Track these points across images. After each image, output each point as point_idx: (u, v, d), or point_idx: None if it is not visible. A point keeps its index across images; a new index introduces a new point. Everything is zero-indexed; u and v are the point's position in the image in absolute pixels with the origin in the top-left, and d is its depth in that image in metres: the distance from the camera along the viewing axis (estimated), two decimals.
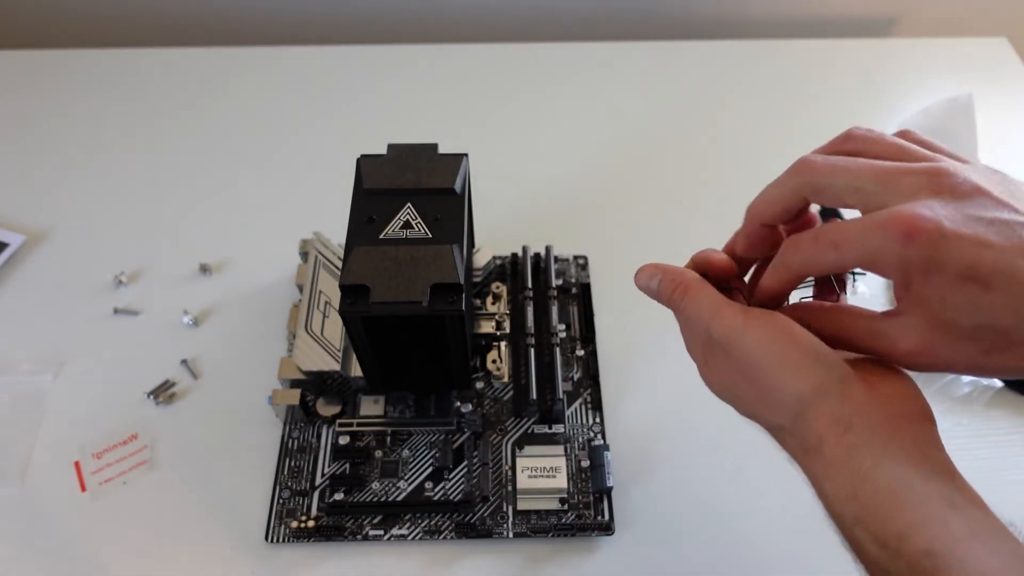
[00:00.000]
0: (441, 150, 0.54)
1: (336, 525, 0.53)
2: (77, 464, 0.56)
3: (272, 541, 0.53)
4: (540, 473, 0.55)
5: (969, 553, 0.27)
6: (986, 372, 0.31)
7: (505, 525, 0.53)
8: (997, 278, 0.28)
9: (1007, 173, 0.32)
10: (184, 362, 0.61)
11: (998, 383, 0.59)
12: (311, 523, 0.53)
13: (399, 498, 0.54)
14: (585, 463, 0.56)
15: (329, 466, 0.56)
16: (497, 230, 0.67)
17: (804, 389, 0.32)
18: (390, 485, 0.55)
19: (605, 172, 0.75)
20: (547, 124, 0.81)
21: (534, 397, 0.57)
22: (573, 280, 0.66)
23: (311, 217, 0.66)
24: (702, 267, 0.39)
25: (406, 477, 0.55)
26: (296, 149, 0.77)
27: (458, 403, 0.58)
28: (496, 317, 0.61)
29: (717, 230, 0.71)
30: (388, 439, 0.57)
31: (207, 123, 0.79)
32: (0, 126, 0.79)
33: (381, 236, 0.50)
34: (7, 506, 0.55)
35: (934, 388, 0.59)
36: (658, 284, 0.39)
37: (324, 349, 0.56)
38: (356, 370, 0.55)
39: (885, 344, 0.32)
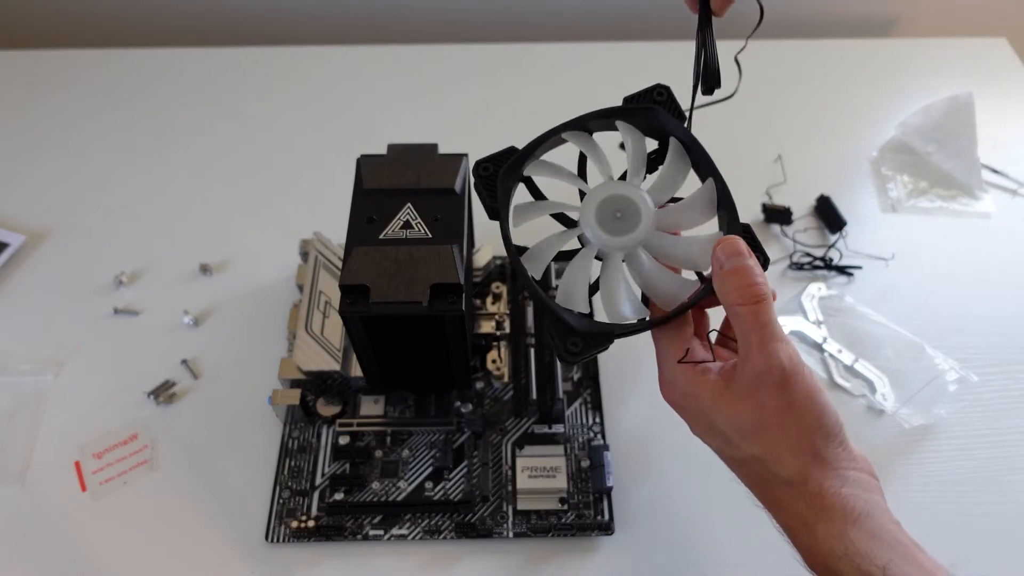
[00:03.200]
0: (441, 150, 0.54)
1: (336, 525, 0.53)
2: (77, 464, 0.56)
3: (272, 541, 0.53)
4: (540, 473, 0.55)
5: None
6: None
7: (505, 525, 0.53)
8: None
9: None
10: (184, 362, 0.62)
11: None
12: (311, 523, 0.53)
13: (399, 498, 0.54)
14: (585, 463, 0.56)
15: (329, 466, 0.56)
16: (497, 230, 0.67)
17: (817, 442, 0.36)
18: (390, 485, 0.55)
19: None
20: (547, 124, 0.80)
21: (534, 397, 0.57)
22: None
23: (311, 217, 0.66)
24: None
25: (406, 477, 0.55)
26: (296, 149, 0.77)
27: (458, 403, 0.58)
28: (496, 317, 0.61)
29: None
30: (388, 439, 0.57)
31: (207, 123, 0.79)
32: (1, 126, 0.79)
33: (381, 236, 0.50)
34: (7, 506, 0.55)
35: None
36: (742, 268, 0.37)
37: (324, 349, 0.56)
38: (356, 370, 0.55)
39: None
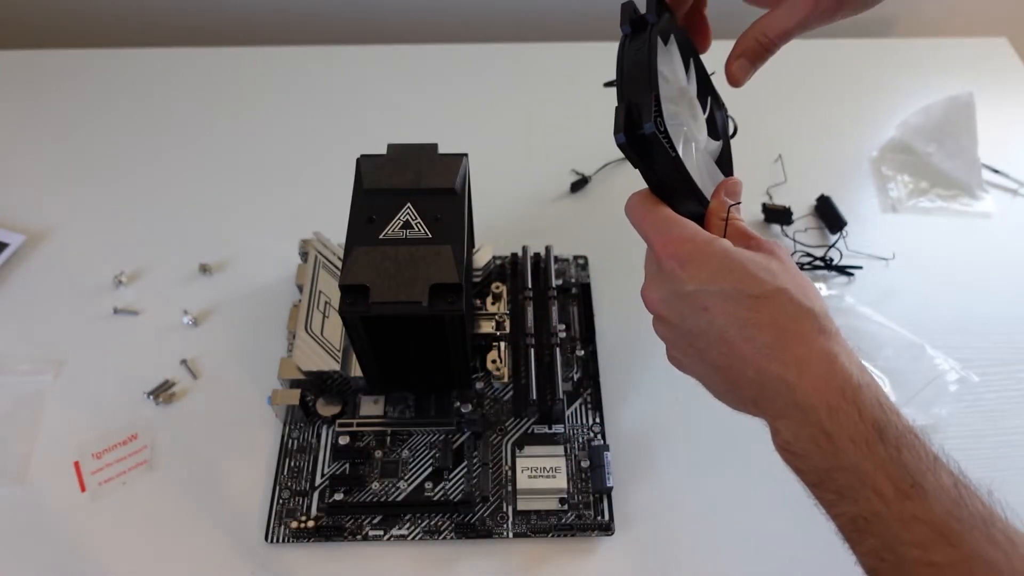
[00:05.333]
0: (441, 150, 0.54)
1: (336, 525, 0.53)
2: (77, 464, 0.56)
3: (272, 541, 0.53)
4: (540, 473, 0.55)
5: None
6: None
7: (505, 525, 0.53)
8: None
9: None
10: (184, 362, 0.61)
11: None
12: (311, 523, 0.53)
13: (399, 498, 0.54)
14: (585, 463, 0.56)
15: (329, 466, 0.56)
16: (497, 230, 0.67)
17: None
18: (390, 485, 0.55)
19: (605, 172, 0.75)
20: (547, 124, 0.81)
21: (534, 397, 0.57)
22: (573, 280, 0.66)
23: (311, 217, 0.66)
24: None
25: (406, 477, 0.55)
26: (296, 149, 0.77)
27: (458, 403, 0.58)
28: (496, 317, 0.61)
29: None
30: (388, 439, 0.57)
31: (207, 123, 0.79)
32: (1, 126, 0.79)
33: (381, 236, 0.50)
34: (7, 506, 0.55)
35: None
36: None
37: (324, 349, 0.56)
38: (356, 370, 0.55)
39: (783, 22, 0.42)
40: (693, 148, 0.43)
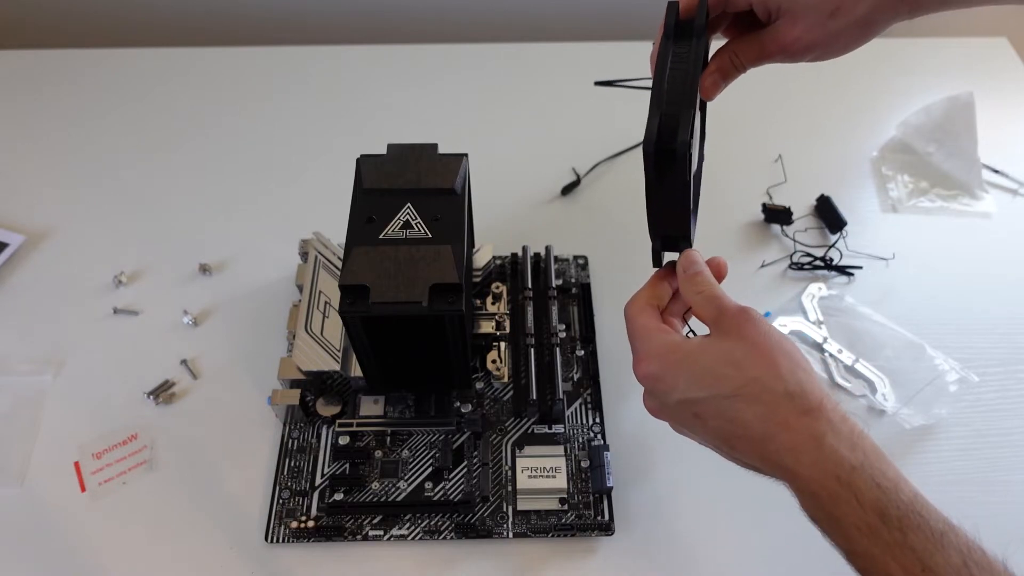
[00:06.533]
0: (441, 150, 0.54)
1: (336, 525, 0.53)
2: (77, 464, 0.56)
3: (272, 541, 0.53)
4: (540, 473, 0.55)
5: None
6: (833, 38, 0.43)
7: (505, 525, 0.53)
8: None
9: None
10: (184, 362, 0.61)
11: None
12: (311, 523, 0.53)
13: (399, 498, 0.54)
14: (585, 463, 0.56)
15: (329, 466, 0.56)
16: (497, 230, 0.67)
17: (804, 365, 0.39)
18: (390, 485, 0.55)
19: (605, 171, 0.75)
20: (548, 124, 0.81)
21: (534, 397, 0.57)
22: (573, 280, 0.66)
23: (311, 217, 0.66)
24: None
25: (406, 477, 0.55)
26: (296, 149, 0.77)
27: (458, 403, 0.58)
28: (496, 317, 0.61)
29: (718, 228, 0.71)
30: (388, 439, 0.57)
31: (207, 123, 0.79)
32: (0, 126, 0.79)
33: (381, 236, 0.50)
34: (7, 506, 0.55)
35: None
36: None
37: (324, 349, 0.56)
38: (356, 370, 0.55)
39: (778, 42, 0.43)
40: (691, 172, 0.43)
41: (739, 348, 0.39)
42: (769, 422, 0.37)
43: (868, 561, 0.34)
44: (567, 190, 0.73)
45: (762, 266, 0.68)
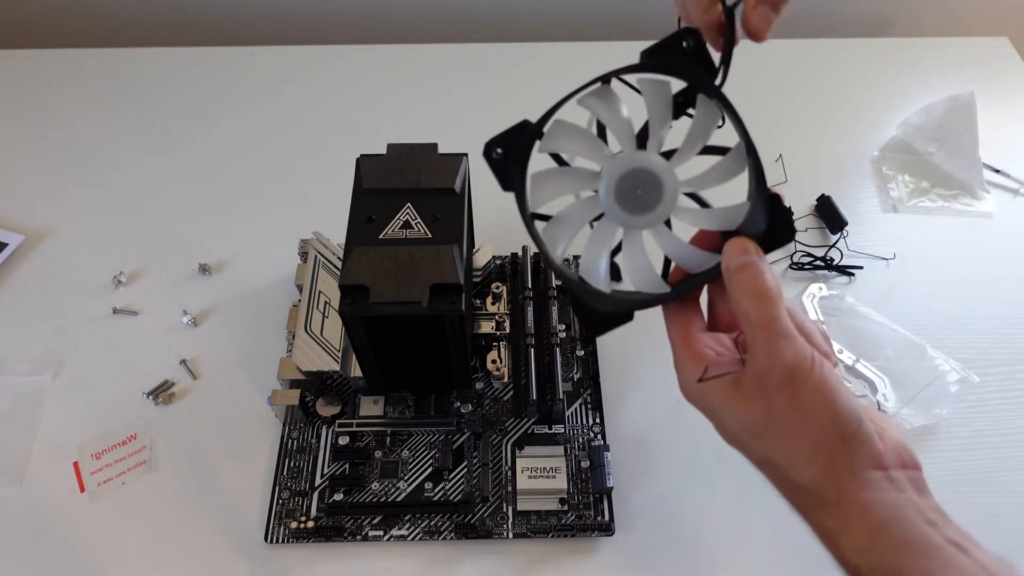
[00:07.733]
0: (441, 150, 0.54)
1: (336, 525, 0.53)
2: (76, 464, 0.56)
3: (271, 541, 0.52)
4: (540, 473, 0.55)
5: None
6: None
7: (505, 525, 0.53)
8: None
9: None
10: (183, 362, 0.61)
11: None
12: (310, 524, 0.53)
13: (399, 498, 0.54)
14: (585, 463, 0.56)
15: (329, 466, 0.56)
16: (497, 230, 0.67)
17: (833, 444, 0.34)
18: (390, 485, 0.55)
19: None
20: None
21: (534, 397, 0.57)
22: None
23: (311, 217, 0.65)
24: None
25: (406, 477, 0.55)
26: (296, 149, 0.77)
27: (458, 403, 0.58)
28: (496, 317, 0.61)
29: None
30: (388, 439, 0.57)
31: (207, 123, 0.79)
32: (0, 126, 0.79)
33: (381, 236, 0.50)
34: (5, 507, 0.54)
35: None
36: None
37: (324, 349, 0.56)
38: (356, 370, 0.55)
39: None
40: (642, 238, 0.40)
41: (758, 418, 0.35)
42: (790, 504, 0.36)
43: None
44: None
45: None
